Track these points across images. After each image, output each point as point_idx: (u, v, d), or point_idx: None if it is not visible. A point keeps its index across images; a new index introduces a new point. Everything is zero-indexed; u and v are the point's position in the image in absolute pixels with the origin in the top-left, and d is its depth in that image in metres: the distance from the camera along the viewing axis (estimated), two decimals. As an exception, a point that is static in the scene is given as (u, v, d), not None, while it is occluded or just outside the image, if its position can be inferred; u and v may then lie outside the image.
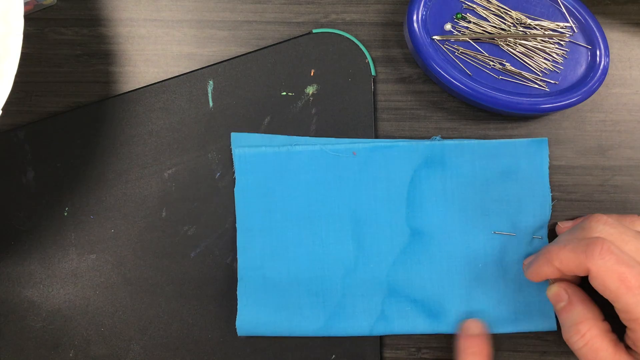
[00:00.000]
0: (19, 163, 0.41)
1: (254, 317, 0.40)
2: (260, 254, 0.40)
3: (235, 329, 0.40)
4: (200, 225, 0.41)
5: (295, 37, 0.42)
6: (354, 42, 0.42)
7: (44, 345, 0.41)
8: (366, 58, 0.42)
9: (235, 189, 0.41)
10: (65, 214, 0.41)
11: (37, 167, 0.41)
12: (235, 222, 0.41)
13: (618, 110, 0.42)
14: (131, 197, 0.41)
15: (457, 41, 0.40)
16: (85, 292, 0.41)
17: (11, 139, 0.42)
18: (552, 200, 0.40)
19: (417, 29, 0.40)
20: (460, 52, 0.40)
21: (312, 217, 0.40)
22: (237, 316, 0.40)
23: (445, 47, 0.40)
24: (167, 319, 0.41)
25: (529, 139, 0.41)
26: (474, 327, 0.38)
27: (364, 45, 0.42)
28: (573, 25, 0.40)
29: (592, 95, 0.40)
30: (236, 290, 0.40)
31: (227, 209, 0.41)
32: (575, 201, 0.41)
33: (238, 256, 0.40)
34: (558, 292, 0.36)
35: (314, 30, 0.42)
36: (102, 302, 0.41)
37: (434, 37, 0.40)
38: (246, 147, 0.41)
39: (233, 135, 0.41)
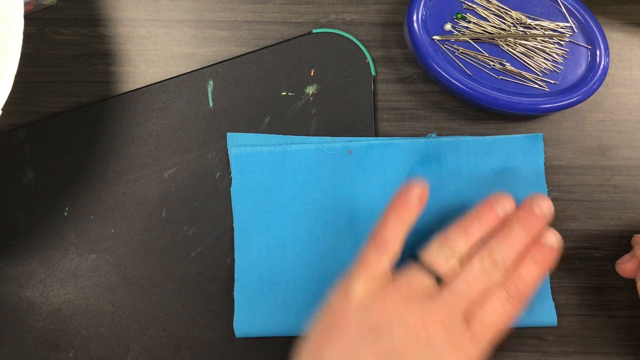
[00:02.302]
0: (19, 163, 0.41)
1: (251, 317, 0.40)
2: (257, 253, 0.40)
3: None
4: (200, 225, 0.41)
5: (295, 37, 0.42)
6: (354, 42, 0.42)
7: (44, 345, 0.41)
8: (366, 58, 0.42)
9: (231, 189, 0.41)
10: (65, 214, 0.41)
11: (37, 167, 0.41)
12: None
13: (618, 110, 0.42)
14: (131, 197, 0.41)
15: (457, 41, 0.40)
16: (85, 292, 0.41)
17: (11, 139, 0.42)
18: (549, 196, 0.41)
19: (417, 29, 0.40)
20: (460, 52, 0.40)
21: (309, 215, 0.40)
22: (234, 317, 0.40)
23: (445, 47, 0.40)
24: (167, 319, 0.41)
25: (524, 134, 0.41)
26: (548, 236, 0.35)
27: (364, 45, 0.42)
28: (573, 25, 0.40)
29: (592, 95, 0.40)
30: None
31: (227, 209, 0.41)
32: (575, 201, 0.41)
33: (235, 256, 0.40)
34: None
35: (314, 30, 0.42)
36: (102, 302, 0.41)
37: (434, 37, 0.40)
38: (242, 146, 0.41)
39: (229, 135, 0.41)
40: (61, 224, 0.41)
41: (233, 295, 0.40)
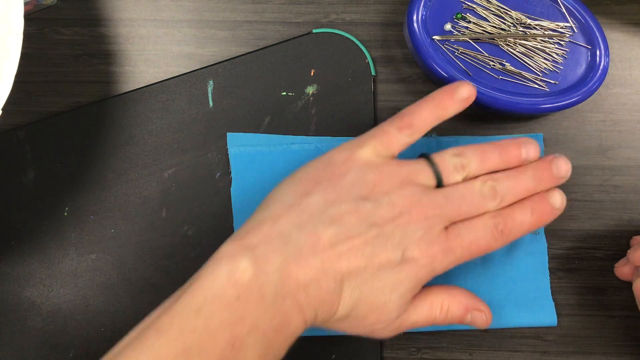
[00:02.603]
0: (19, 163, 0.41)
1: None
2: None
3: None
4: (200, 225, 0.41)
5: (295, 37, 0.42)
6: (354, 42, 0.42)
7: (44, 345, 0.41)
8: (366, 58, 0.42)
9: (231, 189, 0.41)
10: (65, 214, 0.41)
11: (37, 167, 0.41)
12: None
13: (618, 110, 0.42)
14: (131, 197, 0.41)
15: (457, 41, 0.40)
16: (85, 292, 0.41)
17: (11, 139, 0.42)
18: None
19: (417, 29, 0.40)
20: (460, 52, 0.40)
21: None
22: None
23: (445, 47, 0.40)
24: (167, 319, 0.41)
25: (525, 135, 0.41)
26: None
27: (364, 45, 0.42)
28: (573, 25, 0.40)
29: (592, 95, 0.40)
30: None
31: (227, 209, 0.41)
32: (575, 201, 0.41)
33: None
34: None
35: (314, 30, 0.42)
36: (102, 302, 0.41)
37: (434, 37, 0.40)
38: (242, 146, 0.41)
39: (229, 135, 0.41)
40: (61, 224, 0.41)
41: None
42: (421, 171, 0.34)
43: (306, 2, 0.43)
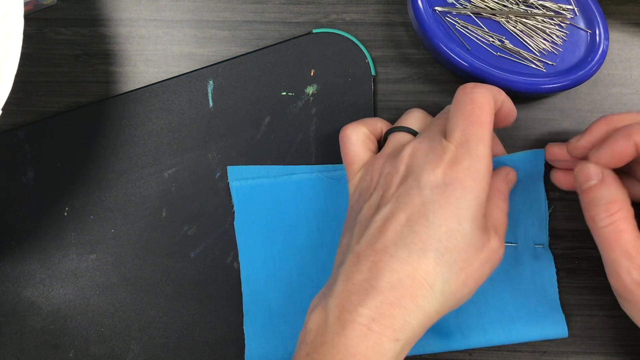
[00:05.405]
0: (19, 163, 0.41)
1: (262, 350, 0.39)
2: (264, 285, 0.40)
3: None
4: (200, 225, 0.41)
5: (295, 37, 0.42)
6: (354, 42, 0.42)
7: (44, 345, 0.41)
8: (366, 58, 0.42)
9: (235, 223, 0.40)
10: (65, 214, 0.41)
11: (37, 167, 0.41)
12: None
13: (618, 110, 0.42)
14: (131, 197, 0.41)
15: (459, 14, 0.40)
16: (85, 292, 0.41)
17: (11, 139, 0.42)
18: (550, 205, 0.40)
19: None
20: (461, 25, 0.40)
21: (313, 245, 0.40)
22: (245, 350, 0.40)
23: (447, 19, 0.40)
24: (167, 319, 0.41)
25: (526, 151, 0.39)
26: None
27: (364, 45, 0.42)
28: (575, 8, 0.40)
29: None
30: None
31: (227, 209, 0.41)
32: (575, 201, 0.41)
33: (242, 289, 0.40)
34: (593, 170, 0.34)
35: (314, 30, 0.42)
36: (102, 302, 0.41)
37: (435, 7, 0.40)
38: (243, 179, 0.41)
39: (229, 168, 0.41)
40: (61, 224, 0.41)
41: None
42: (397, 139, 0.37)
43: (306, 2, 0.43)
